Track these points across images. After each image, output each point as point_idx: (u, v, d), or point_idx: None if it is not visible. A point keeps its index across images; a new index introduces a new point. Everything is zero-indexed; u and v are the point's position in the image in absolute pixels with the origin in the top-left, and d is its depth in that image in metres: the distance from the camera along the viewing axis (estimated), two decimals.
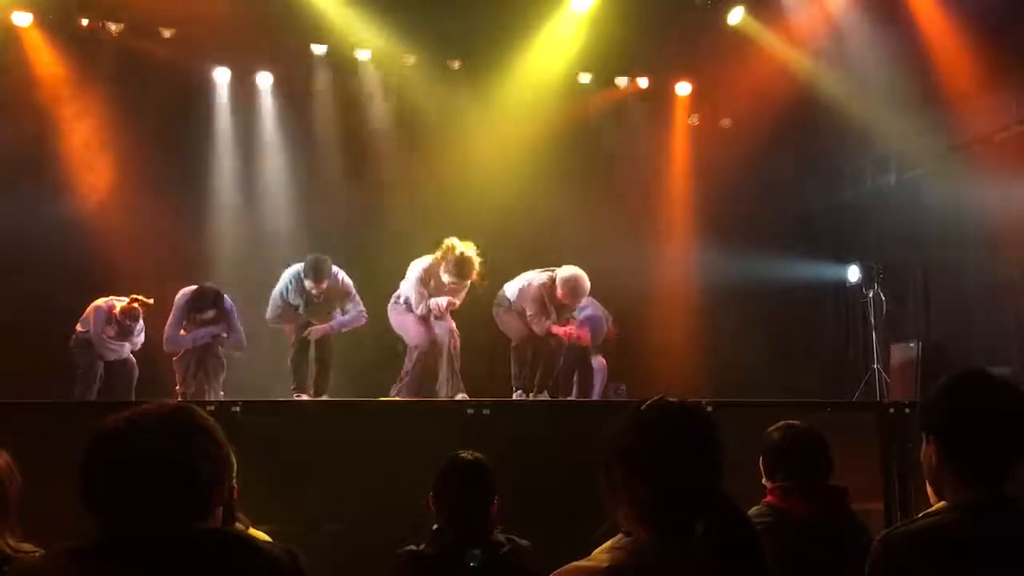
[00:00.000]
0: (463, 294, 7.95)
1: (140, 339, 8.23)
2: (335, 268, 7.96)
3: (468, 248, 7.67)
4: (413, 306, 7.83)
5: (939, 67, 9.15)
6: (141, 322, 8.11)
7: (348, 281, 8.06)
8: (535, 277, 7.96)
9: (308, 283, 7.83)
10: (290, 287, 7.95)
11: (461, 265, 7.68)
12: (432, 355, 7.89)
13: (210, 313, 7.80)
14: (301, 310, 8.00)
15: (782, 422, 3.41)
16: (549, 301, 7.87)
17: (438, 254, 7.77)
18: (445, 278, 7.74)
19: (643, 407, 1.88)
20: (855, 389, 9.41)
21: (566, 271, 7.86)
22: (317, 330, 7.98)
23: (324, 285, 7.86)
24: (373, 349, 8.82)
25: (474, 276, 7.78)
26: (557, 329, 7.92)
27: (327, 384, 8.08)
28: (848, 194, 11.11)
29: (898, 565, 2.03)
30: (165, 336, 7.86)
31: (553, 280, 7.86)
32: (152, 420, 1.79)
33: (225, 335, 7.94)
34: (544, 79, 10.47)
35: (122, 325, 8.01)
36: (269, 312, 8.08)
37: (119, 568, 1.68)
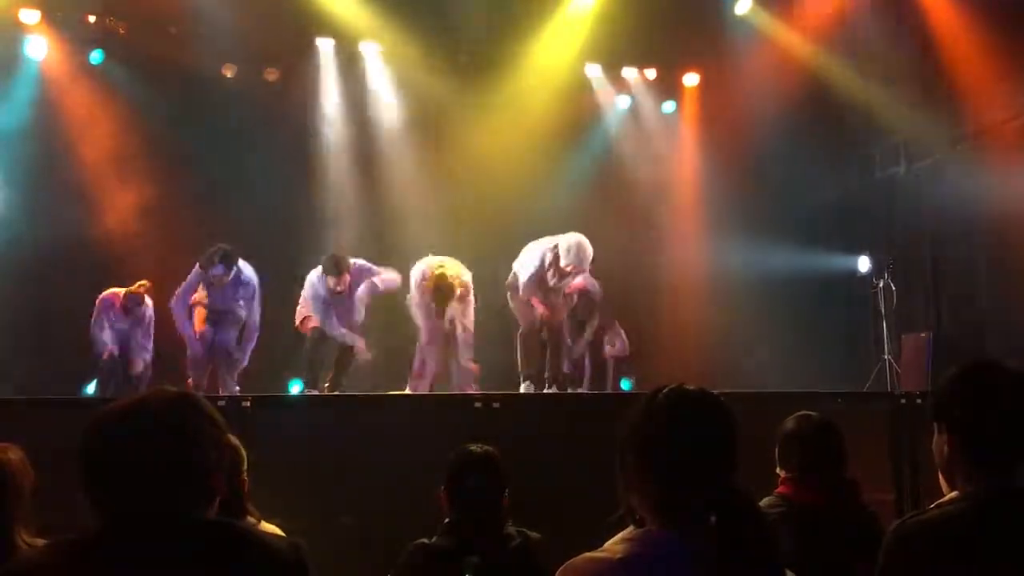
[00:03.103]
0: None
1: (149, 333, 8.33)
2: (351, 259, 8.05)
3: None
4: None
5: (949, 56, 9.11)
6: (150, 311, 8.19)
7: (364, 263, 8.09)
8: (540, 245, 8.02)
9: (331, 280, 7.82)
10: (318, 286, 7.95)
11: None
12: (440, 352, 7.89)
13: (219, 269, 7.78)
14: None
15: (797, 412, 3.41)
16: (551, 268, 7.90)
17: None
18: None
19: (660, 394, 1.87)
20: (866, 380, 9.39)
21: (570, 237, 7.88)
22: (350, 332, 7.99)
23: (347, 278, 7.87)
24: (382, 343, 8.83)
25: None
26: (536, 303, 7.94)
27: (344, 378, 8.04)
28: (858, 184, 11.06)
29: (910, 556, 2.03)
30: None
31: (556, 247, 7.89)
32: (152, 404, 1.78)
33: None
34: (551, 71, 10.46)
35: (127, 309, 8.15)
36: (301, 313, 8.09)
37: (118, 559, 1.68)
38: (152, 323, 8.39)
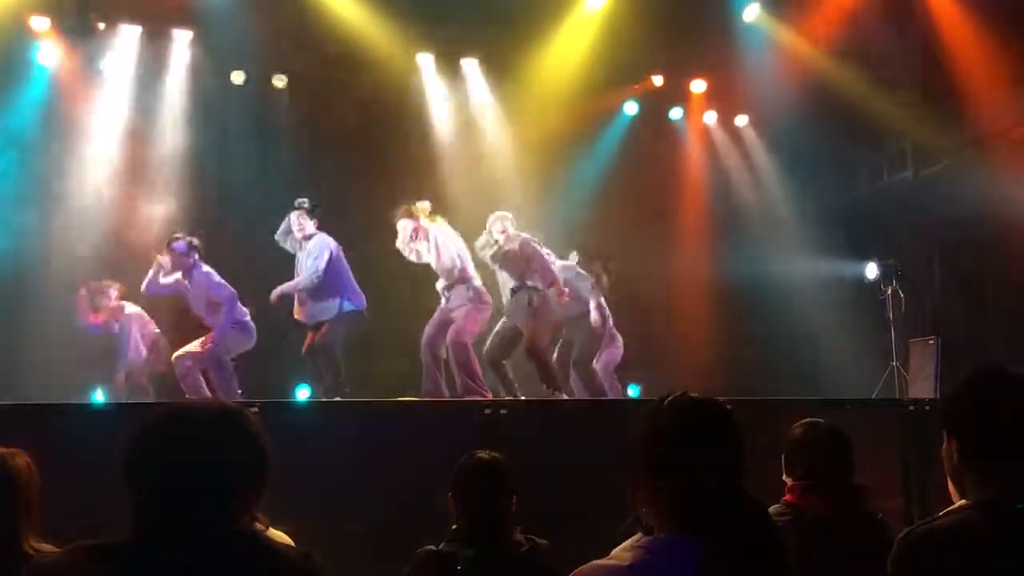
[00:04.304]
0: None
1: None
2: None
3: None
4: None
5: (956, 62, 9.10)
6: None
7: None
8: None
9: (294, 217, 7.93)
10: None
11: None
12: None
13: (181, 246, 7.78)
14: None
15: (805, 419, 3.40)
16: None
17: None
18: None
19: (665, 403, 1.87)
20: (874, 387, 9.36)
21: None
22: (276, 291, 7.87)
23: (307, 223, 7.91)
24: (388, 350, 8.83)
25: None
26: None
27: (334, 382, 7.81)
28: (865, 190, 11.05)
29: (920, 563, 2.02)
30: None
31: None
32: (200, 415, 1.81)
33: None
34: (559, 78, 10.46)
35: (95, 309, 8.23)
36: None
37: (141, 566, 1.69)
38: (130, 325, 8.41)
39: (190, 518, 1.72)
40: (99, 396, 8.11)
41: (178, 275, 7.85)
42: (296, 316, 7.96)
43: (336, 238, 8.06)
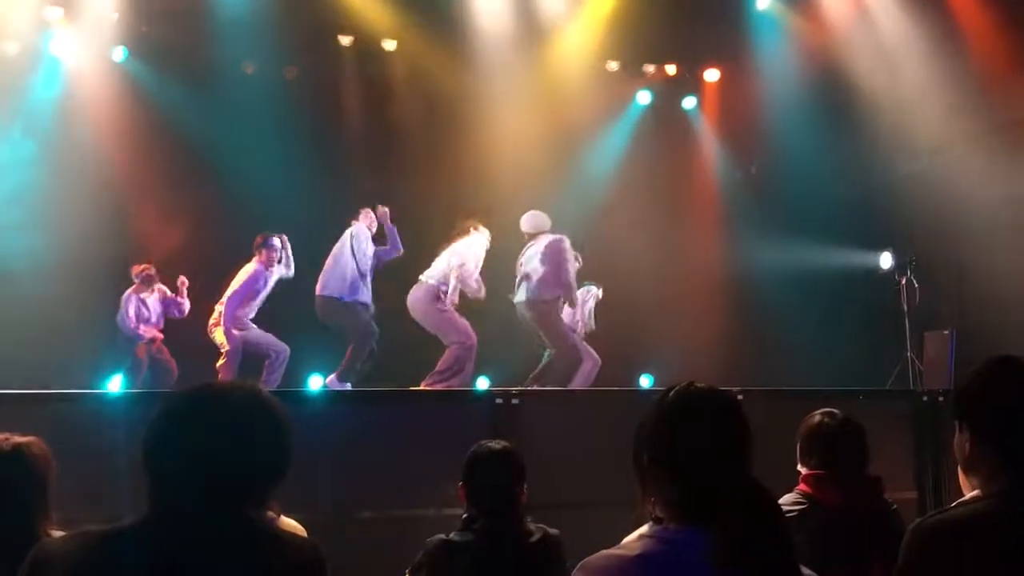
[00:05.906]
0: None
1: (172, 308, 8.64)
2: None
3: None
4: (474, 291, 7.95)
5: (971, 50, 9.03)
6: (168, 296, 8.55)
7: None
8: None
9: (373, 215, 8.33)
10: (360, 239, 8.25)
11: None
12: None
13: (275, 242, 8.32)
14: (368, 276, 8.20)
15: (821, 409, 3.39)
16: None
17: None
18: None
19: (671, 393, 1.87)
20: (888, 378, 9.33)
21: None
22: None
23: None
24: (400, 337, 8.84)
25: None
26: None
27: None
28: (880, 179, 10.98)
29: (931, 553, 2.01)
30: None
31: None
32: (227, 400, 1.81)
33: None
34: (572, 66, 10.44)
35: (141, 295, 8.39)
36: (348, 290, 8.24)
37: (136, 551, 1.69)
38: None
39: (199, 504, 1.72)
40: (114, 385, 8.15)
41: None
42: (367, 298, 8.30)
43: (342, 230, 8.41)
